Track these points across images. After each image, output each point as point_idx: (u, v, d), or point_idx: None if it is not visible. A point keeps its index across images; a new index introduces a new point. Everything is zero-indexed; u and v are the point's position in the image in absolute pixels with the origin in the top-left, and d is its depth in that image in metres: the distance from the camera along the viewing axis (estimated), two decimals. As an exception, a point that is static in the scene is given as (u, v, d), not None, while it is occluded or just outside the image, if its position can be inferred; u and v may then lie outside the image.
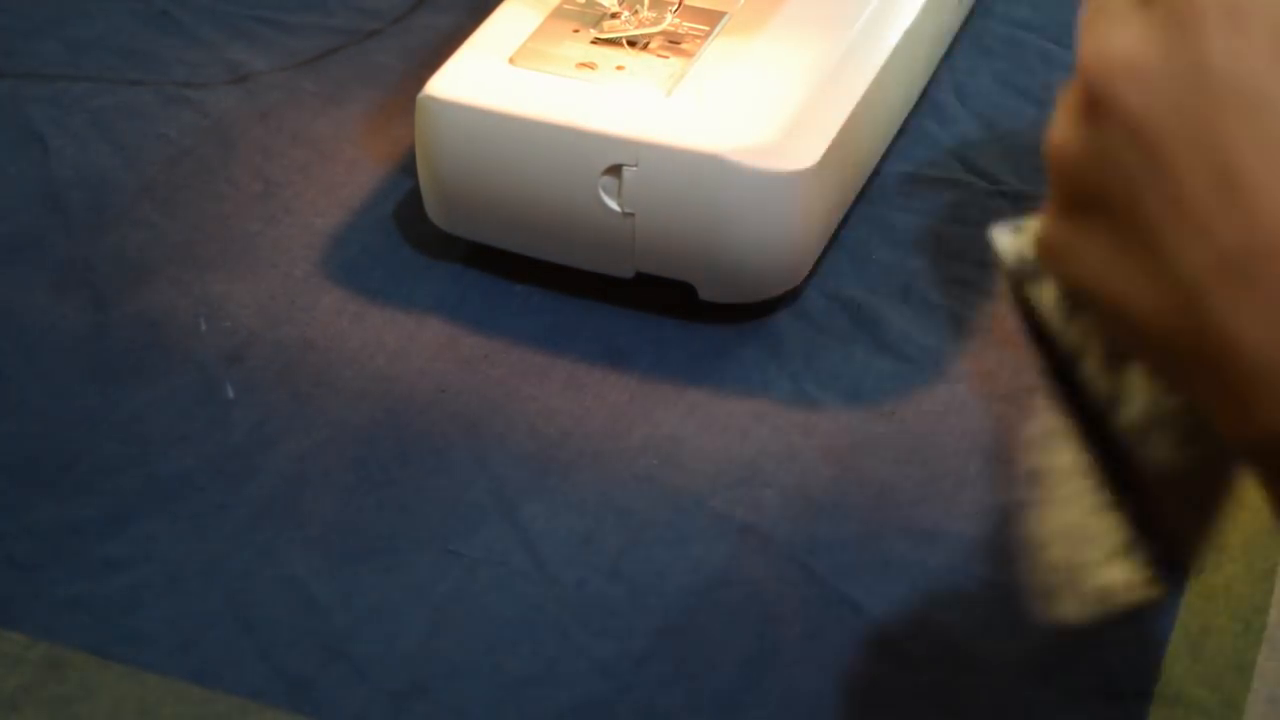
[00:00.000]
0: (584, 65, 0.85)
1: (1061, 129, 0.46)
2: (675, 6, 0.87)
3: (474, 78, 0.83)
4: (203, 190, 0.91)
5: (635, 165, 0.79)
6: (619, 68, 0.85)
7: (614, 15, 0.87)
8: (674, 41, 0.86)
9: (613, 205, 0.81)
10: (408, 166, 0.90)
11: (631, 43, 0.86)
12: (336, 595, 0.70)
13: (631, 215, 0.81)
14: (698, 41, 0.86)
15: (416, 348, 0.82)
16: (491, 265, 0.86)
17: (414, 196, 0.88)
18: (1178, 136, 0.42)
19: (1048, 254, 0.47)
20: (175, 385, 0.79)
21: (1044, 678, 0.67)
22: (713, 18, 0.88)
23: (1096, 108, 0.44)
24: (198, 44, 1.03)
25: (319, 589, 0.70)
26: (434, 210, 0.86)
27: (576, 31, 0.87)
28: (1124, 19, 0.44)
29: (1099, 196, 0.44)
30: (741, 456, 0.76)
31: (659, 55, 0.85)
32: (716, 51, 0.85)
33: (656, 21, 0.87)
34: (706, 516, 0.73)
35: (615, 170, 0.80)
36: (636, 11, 0.87)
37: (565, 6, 0.88)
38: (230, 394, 0.79)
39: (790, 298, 0.84)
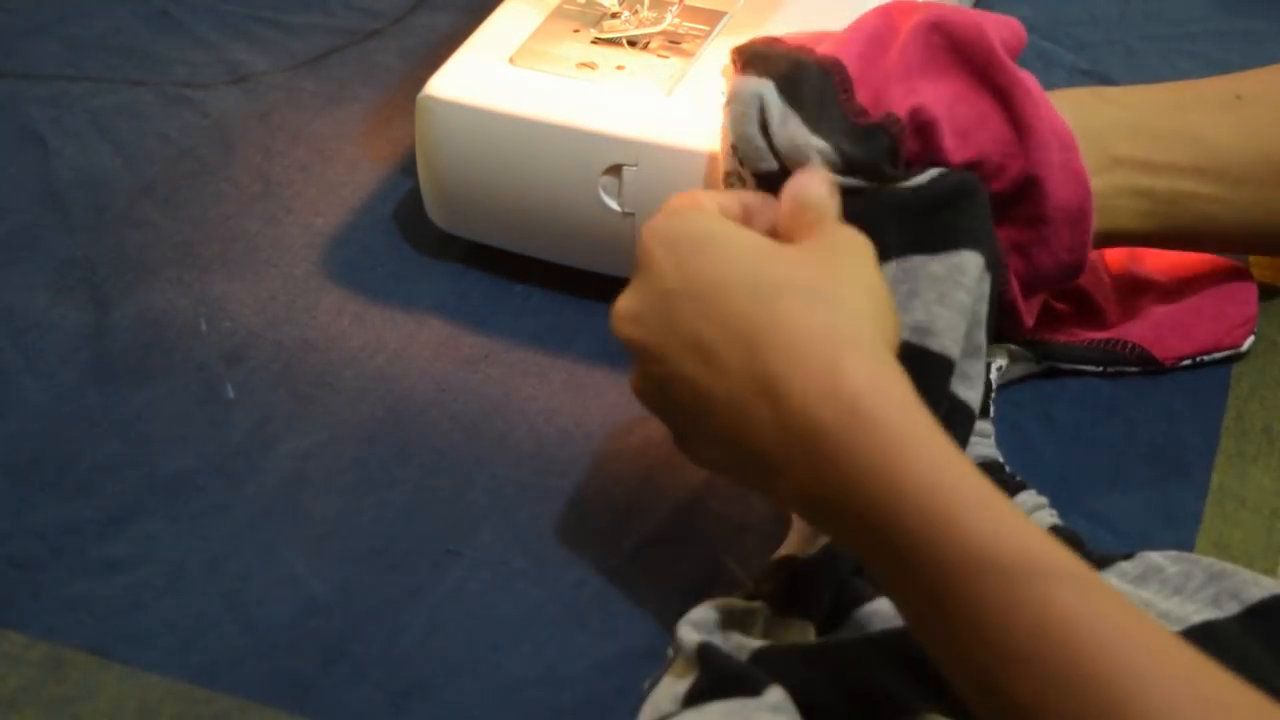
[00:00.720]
0: (584, 65, 0.85)
1: (631, 377, 0.66)
2: (675, 6, 0.87)
3: (474, 78, 0.83)
4: (203, 190, 0.91)
5: (635, 165, 0.79)
6: (619, 68, 0.85)
7: (614, 15, 0.87)
8: (674, 41, 0.86)
9: (613, 205, 0.81)
10: (408, 166, 0.90)
11: (631, 43, 0.86)
12: (337, 595, 0.70)
13: (631, 215, 0.81)
14: (698, 41, 0.86)
15: (416, 348, 0.82)
16: (491, 265, 0.86)
17: (414, 196, 0.88)
18: (665, 339, 0.62)
19: (683, 452, 0.66)
20: (175, 385, 0.79)
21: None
22: (713, 18, 0.88)
23: (628, 350, 0.64)
24: (198, 44, 1.03)
25: (320, 589, 0.70)
26: (434, 210, 0.86)
27: (576, 31, 0.87)
28: (627, 288, 0.65)
29: (664, 402, 0.64)
30: (741, 456, 0.76)
31: (659, 55, 0.86)
32: (716, 51, 0.85)
33: (656, 21, 0.87)
34: (706, 516, 0.73)
35: (615, 170, 0.80)
36: (636, 11, 0.87)
37: (565, 6, 0.88)
38: (230, 394, 0.79)
39: (790, 298, 0.84)
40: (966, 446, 0.71)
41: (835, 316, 0.59)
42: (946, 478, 0.56)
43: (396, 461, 0.76)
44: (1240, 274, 0.83)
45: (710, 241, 0.62)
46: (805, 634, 0.65)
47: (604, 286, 0.84)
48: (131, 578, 0.70)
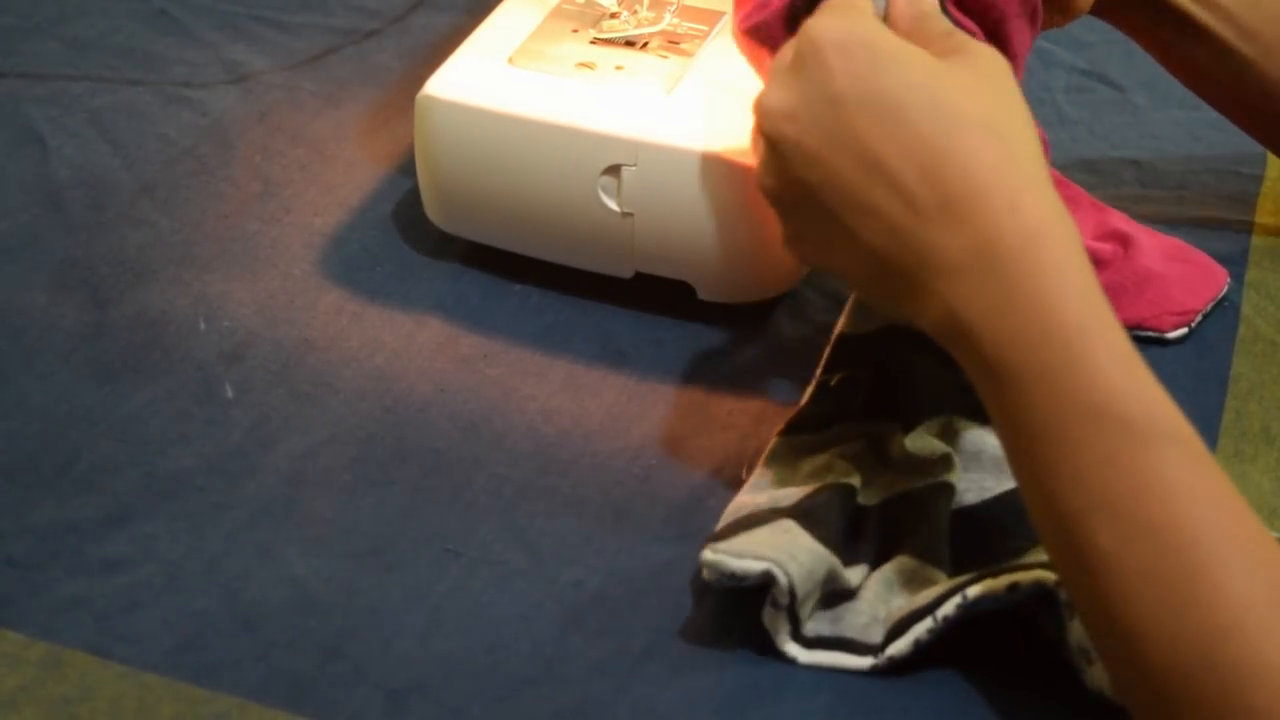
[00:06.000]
0: (583, 65, 0.85)
1: (759, 168, 0.66)
2: (674, 6, 0.87)
3: (473, 78, 0.83)
4: (203, 190, 0.91)
5: (634, 165, 0.80)
6: (619, 68, 0.85)
7: (614, 15, 0.87)
8: (674, 41, 0.86)
9: (612, 205, 0.81)
10: (407, 166, 0.90)
11: (630, 43, 0.86)
12: (336, 595, 0.70)
13: (631, 215, 0.81)
14: (697, 41, 0.86)
15: (415, 347, 0.82)
16: (490, 265, 0.86)
17: (413, 196, 0.88)
18: (827, 144, 0.62)
19: (790, 250, 0.68)
20: (175, 385, 0.79)
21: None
22: (712, 18, 0.88)
23: (772, 146, 0.64)
24: (197, 44, 1.03)
25: (319, 589, 0.70)
26: (433, 210, 0.86)
27: (576, 31, 0.87)
28: (779, 80, 0.64)
29: (798, 202, 0.64)
30: (740, 456, 0.76)
31: (659, 55, 0.86)
32: (716, 51, 0.85)
33: (656, 21, 0.87)
34: (705, 516, 0.73)
35: (615, 170, 0.80)
36: (636, 11, 0.87)
37: (565, 6, 0.88)
38: (229, 394, 0.79)
39: (790, 298, 0.84)
40: None
41: (1013, 157, 0.61)
42: (1097, 324, 0.59)
43: (395, 461, 0.76)
44: (1213, 270, 0.83)
45: (884, 55, 0.62)
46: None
47: (603, 286, 0.84)
48: (130, 577, 0.70)
